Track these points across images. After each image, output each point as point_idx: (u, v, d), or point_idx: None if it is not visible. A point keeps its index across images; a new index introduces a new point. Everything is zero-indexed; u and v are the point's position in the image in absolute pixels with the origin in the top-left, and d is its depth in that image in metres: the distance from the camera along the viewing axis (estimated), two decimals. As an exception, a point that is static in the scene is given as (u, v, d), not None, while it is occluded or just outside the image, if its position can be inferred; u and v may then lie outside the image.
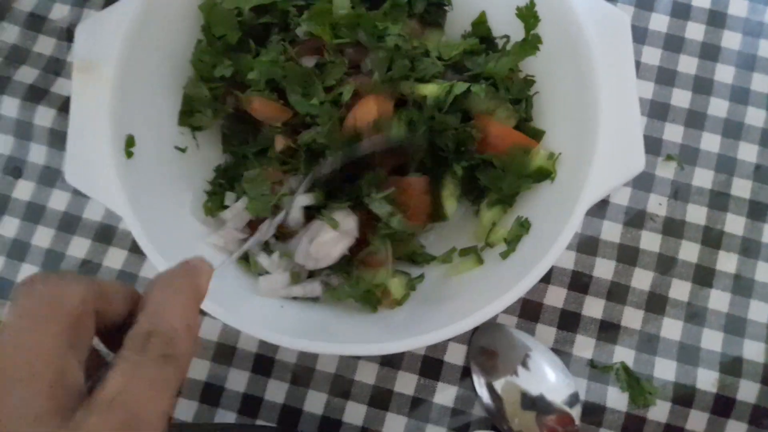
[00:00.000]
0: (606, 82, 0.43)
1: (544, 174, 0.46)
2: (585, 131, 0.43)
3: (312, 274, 0.48)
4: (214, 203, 0.48)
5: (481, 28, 0.52)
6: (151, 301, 0.26)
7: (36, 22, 0.58)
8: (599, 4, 0.45)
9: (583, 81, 0.44)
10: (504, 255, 0.45)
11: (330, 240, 0.45)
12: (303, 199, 0.46)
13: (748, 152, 0.55)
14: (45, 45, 0.57)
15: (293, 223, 0.47)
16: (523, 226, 0.45)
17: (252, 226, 0.47)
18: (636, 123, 0.43)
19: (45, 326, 0.23)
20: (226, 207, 0.48)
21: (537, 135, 0.48)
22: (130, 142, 0.44)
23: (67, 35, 0.57)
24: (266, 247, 0.47)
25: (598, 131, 0.42)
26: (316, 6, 0.47)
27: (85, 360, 0.24)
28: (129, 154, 0.44)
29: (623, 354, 0.51)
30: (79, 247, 0.53)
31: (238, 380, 0.50)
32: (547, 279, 0.52)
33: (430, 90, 0.46)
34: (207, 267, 0.29)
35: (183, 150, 0.49)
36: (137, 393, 0.23)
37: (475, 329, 0.51)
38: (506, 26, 0.50)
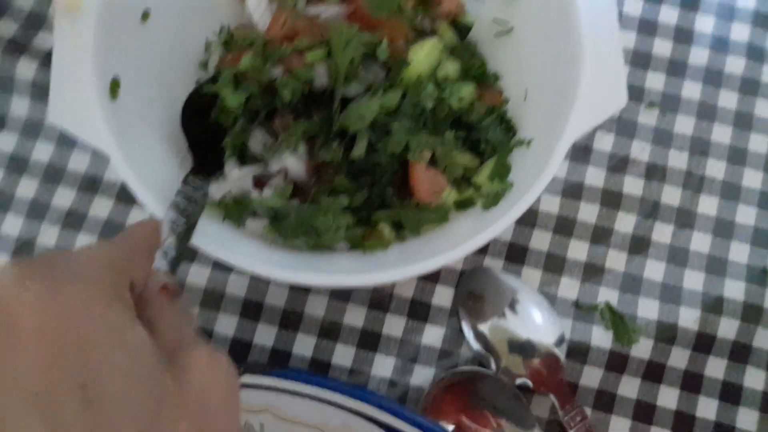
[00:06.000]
0: (587, 24, 0.43)
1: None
2: (567, 75, 0.43)
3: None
4: None
5: None
6: None
7: (15, -25, 0.57)
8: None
9: (565, 25, 0.44)
10: (486, 205, 0.45)
11: None
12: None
13: (728, 100, 0.56)
14: (25, -2, 0.56)
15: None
16: (505, 183, 0.46)
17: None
18: (618, 59, 0.43)
19: None
20: None
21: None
22: (114, 85, 0.43)
23: (47, -13, 0.56)
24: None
25: (580, 72, 0.42)
26: None
27: None
28: (114, 95, 0.43)
29: (607, 294, 0.52)
30: (64, 198, 0.53)
31: (226, 325, 0.50)
32: (532, 223, 0.53)
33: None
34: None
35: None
36: None
37: (462, 273, 0.52)
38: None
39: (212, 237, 0.41)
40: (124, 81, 0.44)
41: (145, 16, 0.47)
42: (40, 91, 0.55)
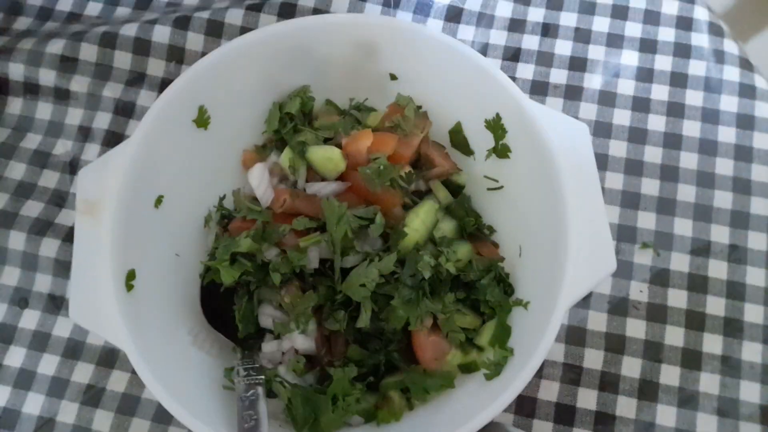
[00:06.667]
0: (571, 190, 0.46)
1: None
2: (557, 237, 0.46)
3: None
4: None
5: (457, 137, 0.56)
6: None
7: (40, 158, 0.62)
8: (560, 117, 0.49)
9: (551, 189, 0.47)
10: (489, 377, 0.46)
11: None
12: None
13: (720, 235, 0.58)
14: (49, 179, 0.61)
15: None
16: (506, 350, 0.47)
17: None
18: (604, 226, 0.46)
19: None
20: None
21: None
22: (130, 276, 0.46)
23: (69, 169, 0.61)
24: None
25: (568, 237, 0.45)
26: None
27: None
28: (129, 287, 0.46)
29: (621, 445, 0.51)
30: (83, 373, 0.55)
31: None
32: (539, 373, 0.53)
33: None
34: None
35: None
36: None
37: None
38: (479, 135, 0.54)
39: (225, 426, 0.43)
40: (139, 270, 0.47)
41: (159, 202, 0.50)
42: (61, 268, 0.58)
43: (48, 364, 0.55)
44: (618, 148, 0.61)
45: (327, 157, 0.50)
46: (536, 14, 0.65)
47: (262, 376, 0.45)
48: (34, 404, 0.54)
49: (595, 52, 0.64)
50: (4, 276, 0.58)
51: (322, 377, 0.50)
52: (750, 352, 0.54)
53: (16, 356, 0.55)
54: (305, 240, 0.48)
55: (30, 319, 0.56)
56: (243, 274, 0.49)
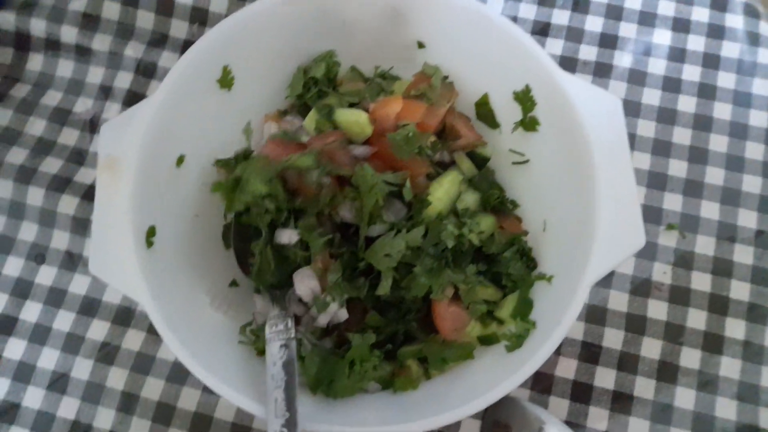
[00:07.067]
0: (602, 164, 0.45)
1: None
2: (584, 212, 0.45)
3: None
4: None
5: (483, 109, 0.55)
6: None
7: (61, 116, 0.61)
8: (592, 90, 0.48)
9: (580, 163, 0.46)
10: (510, 348, 0.46)
11: None
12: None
13: (747, 219, 0.56)
14: (69, 136, 0.60)
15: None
16: (528, 323, 0.46)
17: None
18: (634, 201, 0.45)
19: None
20: None
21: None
22: (151, 232, 0.46)
23: (90, 127, 0.60)
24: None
25: (596, 211, 0.44)
26: None
27: None
28: (149, 244, 0.46)
29: (638, 425, 0.51)
30: (98, 330, 0.54)
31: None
32: (557, 350, 0.52)
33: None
34: None
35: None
36: None
37: (488, 404, 0.51)
38: (506, 107, 0.52)
39: (248, 391, 0.42)
40: (159, 227, 0.47)
41: (180, 161, 0.50)
42: (79, 225, 0.57)
43: (63, 320, 0.55)
44: (646, 128, 0.60)
45: (354, 120, 0.49)
46: (568, -12, 0.64)
47: (294, 332, 0.44)
48: (48, 359, 0.54)
49: (627, 29, 0.63)
50: (22, 231, 0.57)
51: (339, 342, 0.49)
52: (773, 338, 0.53)
53: (32, 311, 0.55)
54: (347, 192, 0.47)
55: (46, 275, 0.56)
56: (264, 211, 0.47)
